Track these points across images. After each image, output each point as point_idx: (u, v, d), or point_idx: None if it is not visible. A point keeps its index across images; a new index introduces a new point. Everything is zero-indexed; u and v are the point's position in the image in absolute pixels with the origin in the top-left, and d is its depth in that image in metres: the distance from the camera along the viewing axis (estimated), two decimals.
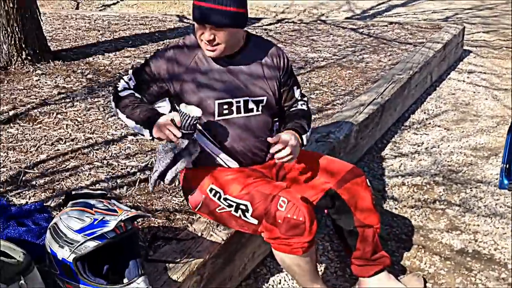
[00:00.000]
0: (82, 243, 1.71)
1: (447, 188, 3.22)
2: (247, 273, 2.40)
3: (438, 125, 4.07)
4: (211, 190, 2.12)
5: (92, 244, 1.71)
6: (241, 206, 2.05)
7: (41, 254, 1.85)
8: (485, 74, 5.16)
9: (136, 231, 1.87)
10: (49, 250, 1.78)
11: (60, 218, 1.79)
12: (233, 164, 2.20)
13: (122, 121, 2.16)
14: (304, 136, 2.18)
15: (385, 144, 3.75)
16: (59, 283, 1.79)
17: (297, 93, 2.32)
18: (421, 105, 4.41)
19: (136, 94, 2.14)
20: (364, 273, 2.32)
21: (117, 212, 1.76)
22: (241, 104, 2.15)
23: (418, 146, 3.74)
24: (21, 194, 2.39)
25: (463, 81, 5.01)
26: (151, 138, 2.05)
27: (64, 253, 1.73)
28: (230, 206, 2.08)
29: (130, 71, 2.21)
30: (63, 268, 1.75)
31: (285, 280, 2.41)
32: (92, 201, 1.85)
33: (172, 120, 1.99)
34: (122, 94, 2.14)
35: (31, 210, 2.18)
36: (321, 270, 2.50)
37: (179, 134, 1.97)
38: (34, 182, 2.49)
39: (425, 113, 4.29)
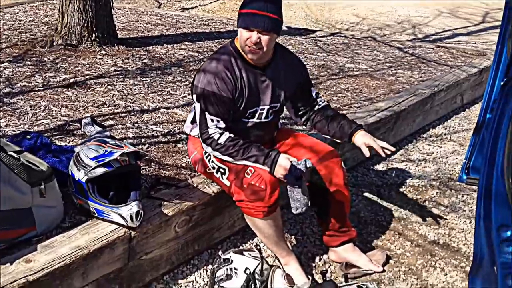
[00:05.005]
0: (93, 168, 2.21)
1: (441, 192, 3.50)
2: (236, 229, 2.83)
3: (454, 140, 4.33)
4: (205, 153, 2.56)
5: (101, 170, 2.22)
6: (221, 169, 2.49)
7: (66, 180, 2.38)
8: None
9: (138, 168, 2.36)
10: (70, 173, 2.30)
11: (82, 149, 2.32)
12: None
13: (235, 162, 2.40)
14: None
15: (397, 150, 4.07)
16: (73, 199, 2.32)
17: (313, 92, 2.72)
18: (444, 122, 4.66)
19: (231, 135, 2.39)
20: (332, 242, 2.70)
21: (123, 148, 2.26)
22: (264, 112, 2.55)
23: (428, 155, 4.03)
24: (63, 139, 2.97)
25: None
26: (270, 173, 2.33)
27: (79, 175, 2.24)
28: (213, 167, 2.52)
29: (208, 115, 2.38)
30: (77, 187, 2.26)
31: None
32: (107, 139, 2.36)
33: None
34: (222, 140, 2.38)
35: (66, 150, 2.74)
36: (302, 239, 2.90)
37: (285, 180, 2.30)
38: (75, 132, 3.06)
39: (446, 129, 4.55)
